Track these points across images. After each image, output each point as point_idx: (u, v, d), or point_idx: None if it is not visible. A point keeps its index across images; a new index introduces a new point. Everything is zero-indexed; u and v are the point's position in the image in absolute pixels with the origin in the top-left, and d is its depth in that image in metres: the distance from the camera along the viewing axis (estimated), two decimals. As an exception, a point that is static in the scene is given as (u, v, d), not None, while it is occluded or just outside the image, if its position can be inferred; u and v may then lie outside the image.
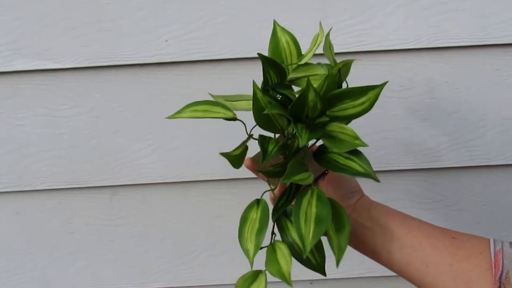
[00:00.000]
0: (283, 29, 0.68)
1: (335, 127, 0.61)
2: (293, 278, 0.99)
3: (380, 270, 0.98)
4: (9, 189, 0.93)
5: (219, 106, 0.65)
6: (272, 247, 0.61)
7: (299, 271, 0.99)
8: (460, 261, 0.62)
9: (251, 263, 0.58)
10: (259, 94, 0.58)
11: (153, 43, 0.86)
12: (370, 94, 0.61)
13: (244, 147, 0.64)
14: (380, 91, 0.60)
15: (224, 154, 0.61)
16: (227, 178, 0.93)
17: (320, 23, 0.65)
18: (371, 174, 0.58)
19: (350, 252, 0.97)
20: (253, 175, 0.92)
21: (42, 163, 0.92)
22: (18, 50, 0.86)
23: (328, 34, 0.66)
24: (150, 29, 0.86)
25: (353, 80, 0.87)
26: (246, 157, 0.66)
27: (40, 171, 0.93)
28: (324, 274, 0.64)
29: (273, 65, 0.61)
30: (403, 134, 0.90)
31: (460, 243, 0.63)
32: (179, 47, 0.86)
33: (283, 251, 0.60)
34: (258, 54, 0.59)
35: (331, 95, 0.60)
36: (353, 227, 0.67)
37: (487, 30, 0.85)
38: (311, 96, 0.57)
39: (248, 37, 0.86)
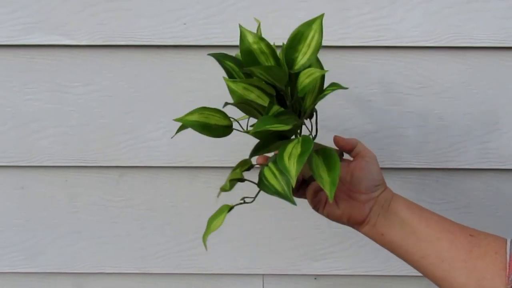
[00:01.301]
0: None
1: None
2: (296, 272, 1.01)
3: (385, 269, 1.00)
4: (16, 163, 0.95)
5: (219, 114, 0.68)
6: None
7: (303, 266, 1.01)
8: (475, 258, 0.64)
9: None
10: (232, 85, 0.64)
11: (171, 25, 0.88)
12: (315, 25, 0.65)
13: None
14: (321, 20, 0.65)
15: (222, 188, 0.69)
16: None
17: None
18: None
19: (356, 249, 0.99)
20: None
21: (50, 139, 0.95)
22: (35, 24, 0.89)
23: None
24: (169, 11, 0.88)
25: (370, 74, 0.90)
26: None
27: (48, 147, 0.95)
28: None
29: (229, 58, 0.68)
30: (418, 132, 0.92)
31: (477, 241, 0.66)
32: (197, 30, 0.88)
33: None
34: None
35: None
36: (374, 219, 0.70)
37: (509, 32, 0.87)
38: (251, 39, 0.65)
39: (267, 24, 0.87)
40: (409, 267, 0.70)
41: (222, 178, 0.96)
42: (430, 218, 0.69)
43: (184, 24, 0.88)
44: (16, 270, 1.03)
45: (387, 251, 0.72)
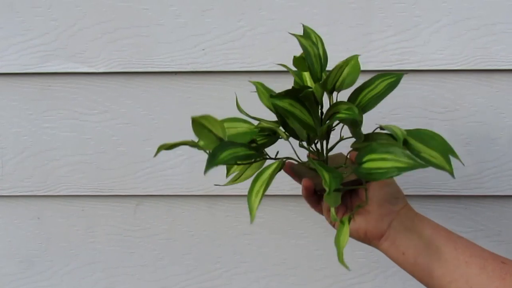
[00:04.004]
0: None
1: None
2: None
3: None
4: (32, 193, 0.97)
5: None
6: None
7: None
8: (509, 286, 0.63)
9: None
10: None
11: (189, 51, 0.90)
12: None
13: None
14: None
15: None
16: (257, 194, 0.96)
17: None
18: (416, 165, 0.58)
19: (382, 280, 1.00)
20: (285, 192, 0.96)
21: (67, 168, 0.97)
22: (52, 51, 0.91)
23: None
24: (187, 37, 0.90)
25: (395, 99, 0.91)
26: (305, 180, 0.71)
27: (65, 176, 0.97)
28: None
29: None
30: (444, 158, 0.93)
31: (510, 269, 0.64)
32: (215, 56, 0.90)
33: None
34: None
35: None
36: (393, 235, 0.69)
37: (537, 54, 0.88)
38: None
39: (286, 50, 0.89)
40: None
41: (241, 206, 0.98)
42: (458, 241, 0.68)
43: (203, 49, 0.90)
44: (32, 302, 1.05)
45: (413, 281, 0.71)
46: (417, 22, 0.88)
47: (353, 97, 0.71)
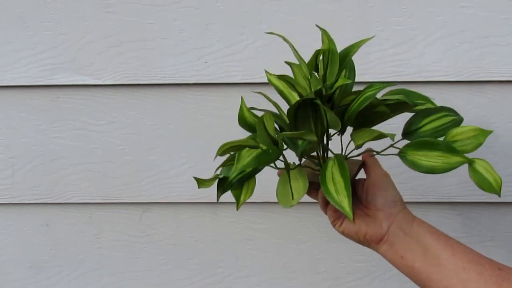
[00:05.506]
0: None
1: None
2: None
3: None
4: (41, 201, 1.01)
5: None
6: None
7: None
8: None
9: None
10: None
11: (193, 64, 0.93)
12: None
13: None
14: None
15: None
16: (260, 201, 0.98)
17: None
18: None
19: (380, 283, 1.03)
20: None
21: (75, 176, 1.00)
22: (61, 64, 0.95)
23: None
24: (191, 50, 0.93)
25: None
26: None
27: (73, 184, 1.00)
28: None
29: None
30: (439, 166, 0.96)
31: (507, 275, 0.65)
32: (218, 68, 0.94)
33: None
34: None
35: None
36: (393, 239, 0.70)
37: (529, 65, 0.90)
38: None
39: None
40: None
41: (244, 212, 1.01)
42: (456, 246, 0.69)
43: (206, 62, 0.94)
44: (41, 306, 1.08)
45: (410, 284, 0.72)
46: (413, 35, 0.91)
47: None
